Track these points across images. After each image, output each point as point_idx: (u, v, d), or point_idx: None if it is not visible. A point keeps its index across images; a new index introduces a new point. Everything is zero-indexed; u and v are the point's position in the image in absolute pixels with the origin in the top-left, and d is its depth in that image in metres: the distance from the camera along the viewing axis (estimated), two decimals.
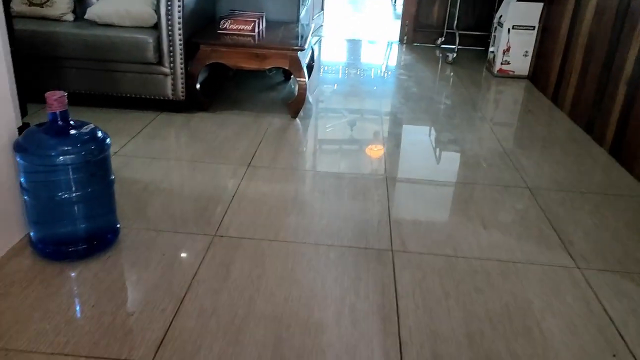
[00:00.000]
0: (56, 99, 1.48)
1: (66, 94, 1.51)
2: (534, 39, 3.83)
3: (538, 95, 3.62)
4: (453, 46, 4.48)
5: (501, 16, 3.93)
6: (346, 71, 4.07)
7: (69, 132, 1.52)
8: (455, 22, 4.55)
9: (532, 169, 2.47)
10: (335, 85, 3.73)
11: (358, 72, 4.04)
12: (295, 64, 2.80)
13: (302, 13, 3.65)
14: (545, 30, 3.71)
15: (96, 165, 1.56)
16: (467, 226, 1.93)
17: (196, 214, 1.91)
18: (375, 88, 3.67)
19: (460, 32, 4.54)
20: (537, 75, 3.79)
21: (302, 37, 3.01)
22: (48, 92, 1.49)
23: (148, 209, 1.92)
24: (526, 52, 3.87)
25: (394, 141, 2.75)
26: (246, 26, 2.95)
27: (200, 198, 2.02)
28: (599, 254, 1.80)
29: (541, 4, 3.74)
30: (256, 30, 2.98)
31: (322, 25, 5.64)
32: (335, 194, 2.12)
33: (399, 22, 5.07)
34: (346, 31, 5.59)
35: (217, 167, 2.30)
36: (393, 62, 4.50)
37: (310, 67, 3.47)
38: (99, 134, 1.58)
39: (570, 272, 1.70)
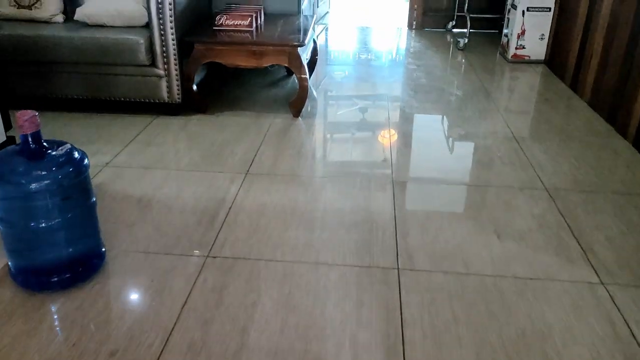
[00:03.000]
0: (27, 119, 1.37)
1: (37, 113, 1.39)
2: (550, 21, 3.61)
3: (555, 81, 3.42)
4: (464, 30, 4.27)
5: None
6: (352, 62, 3.90)
7: (43, 156, 1.41)
8: (466, 4, 4.32)
9: (549, 166, 2.30)
10: (341, 78, 3.57)
11: (365, 63, 3.87)
12: (295, 60, 2.65)
13: (304, 3, 3.49)
14: (563, 11, 3.49)
15: (74, 189, 1.45)
16: (479, 236, 1.79)
17: (189, 230, 1.80)
18: (383, 80, 3.51)
19: (472, 15, 4.31)
20: (555, 60, 3.58)
21: (302, 31, 2.85)
22: (19, 112, 1.37)
23: (139, 227, 1.81)
24: (542, 35, 3.66)
25: (401, 139, 2.60)
26: (243, 21, 2.81)
27: (194, 212, 1.91)
28: (625, 266, 1.65)
29: None
30: (254, 25, 2.83)
31: (328, 12, 5.45)
32: (338, 202, 1.99)
33: (407, 6, 4.85)
34: (353, 18, 5.40)
35: (214, 175, 2.18)
36: (402, 50, 4.31)
37: (313, 62, 3.32)
38: (76, 154, 1.46)
39: (594, 288, 1.55)
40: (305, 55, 2.84)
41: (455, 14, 4.59)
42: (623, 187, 2.14)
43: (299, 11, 3.25)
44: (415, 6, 4.70)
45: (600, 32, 2.90)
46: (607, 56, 2.81)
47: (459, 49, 4.12)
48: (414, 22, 4.75)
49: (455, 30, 4.61)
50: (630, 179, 2.21)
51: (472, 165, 2.36)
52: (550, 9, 3.58)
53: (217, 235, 1.77)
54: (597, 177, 2.21)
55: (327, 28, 4.94)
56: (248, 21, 2.80)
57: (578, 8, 3.21)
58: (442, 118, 2.88)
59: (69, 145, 1.47)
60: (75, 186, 1.45)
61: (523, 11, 3.61)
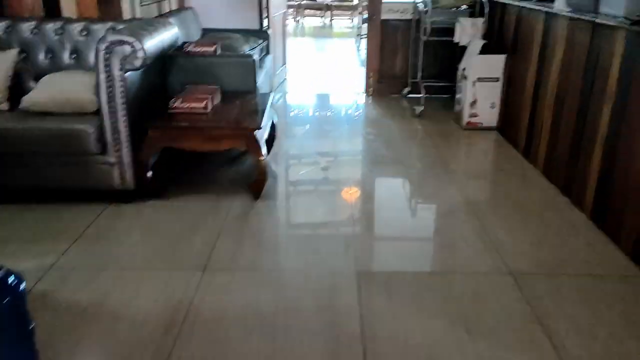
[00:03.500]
0: None
1: None
2: (500, 91, 3.75)
3: (509, 149, 3.50)
4: (419, 95, 4.37)
5: (465, 69, 3.84)
6: (311, 133, 3.90)
7: None
8: (420, 73, 4.45)
9: (511, 247, 2.29)
10: (300, 152, 3.55)
11: (323, 134, 3.87)
12: (252, 144, 2.60)
13: (260, 79, 3.49)
14: (511, 82, 3.63)
15: (6, 321, 1.30)
16: (450, 333, 1.72)
17: (140, 348, 1.65)
18: (342, 153, 3.51)
19: (425, 82, 4.44)
20: (507, 128, 3.68)
21: (260, 112, 2.83)
22: None
23: (82, 345, 1.66)
24: (493, 103, 3.78)
25: (364, 222, 2.56)
26: (198, 104, 2.76)
27: (147, 322, 1.77)
28: None
29: (504, 56, 3.66)
30: (209, 106, 2.79)
31: (285, 80, 5.51)
32: (302, 301, 1.89)
33: (364, 70, 4.96)
34: (311, 84, 5.48)
35: (169, 275, 2.06)
36: (360, 118, 4.36)
37: (272, 138, 3.28)
38: (10, 280, 1.33)
39: None
40: (263, 136, 2.80)
41: (410, 80, 4.71)
42: (587, 268, 2.14)
43: (255, 88, 3.24)
44: (371, 73, 4.81)
45: (549, 105, 3.01)
46: (557, 127, 2.90)
47: (415, 117, 4.20)
48: (371, 89, 4.85)
49: (410, 95, 4.72)
50: (592, 258, 2.22)
51: (437, 249, 2.33)
52: (498, 79, 3.72)
53: (170, 352, 1.63)
54: (559, 258, 2.21)
55: (284, 96, 4.97)
56: (204, 103, 2.75)
57: (525, 80, 3.34)
58: (403, 195, 2.88)
59: (2, 272, 1.34)
60: (8, 317, 1.31)
61: (474, 82, 3.73)
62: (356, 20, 7.42)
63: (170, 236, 2.36)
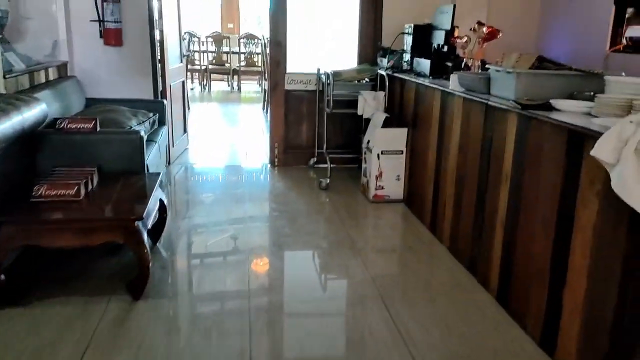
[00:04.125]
0: None
1: None
2: (404, 164, 3.72)
3: (416, 223, 3.42)
4: (326, 165, 4.27)
5: (369, 141, 3.80)
6: (210, 212, 3.61)
7: None
8: (325, 143, 4.38)
9: (421, 336, 2.12)
10: (197, 234, 3.24)
11: (226, 212, 3.58)
12: (132, 237, 2.27)
13: (149, 156, 3.19)
14: (414, 156, 3.62)
15: None
16: None
17: None
18: (244, 233, 3.24)
19: (331, 153, 4.36)
20: (413, 201, 3.64)
21: (143, 197, 2.51)
22: None
23: None
24: (398, 176, 3.74)
25: (265, 315, 2.27)
26: (68, 190, 2.40)
27: None
28: None
29: (405, 129, 3.67)
30: (82, 193, 2.43)
31: (187, 149, 5.22)
32: None
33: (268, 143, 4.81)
34: (214, 154, 5.21)
35: None
36: (265, 193, 4.15)
37: (162, 220, 2.95)
38: None
39: None
40: (147, 224, 2.47)
41: (316, 150, 4.62)
42: (497, 357, 2.01)
43: (142, 167, 2.92)
44: (276, 144, 4.66)
45: (450, 179, 2.98)
46: (460, 204, 2.86)
47: (321, 189, 4.06)
48: (276, 160, 4.69)
49: (317, 165, 4.61)
50: (501, 346, 2.10)
51: (345, 347, 2.10)
52: (402, 152, 3.70)
53: None
54: (470, 347, 2.07)
55: (184, 167, 4.66)
56: (75, 190, 2.40)
57: (427, 153, 3.33)
58: (308, 283, 2.65)
59: None
60: None
61: (378, 155, 3.69)
62: (265, 84, 7.35)
63: (24, 355, 1.92)
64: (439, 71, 3.39)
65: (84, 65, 4.14)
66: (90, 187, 2.56)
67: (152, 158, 3.30)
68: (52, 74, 3.72)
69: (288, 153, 4.70)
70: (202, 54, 9.53)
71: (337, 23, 4.83)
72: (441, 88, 3.04)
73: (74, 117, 2.83)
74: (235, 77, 9.59)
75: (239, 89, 9.67)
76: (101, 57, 4.16)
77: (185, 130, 5.19)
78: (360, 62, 4.60)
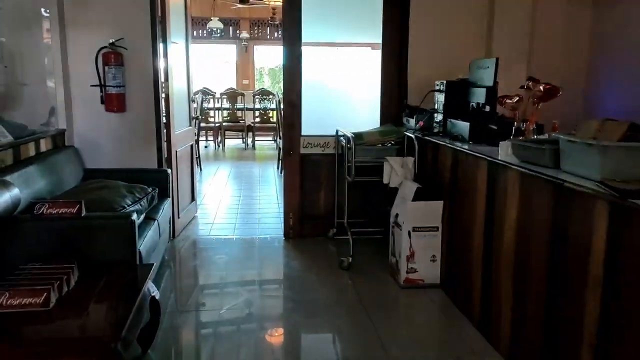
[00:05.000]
0: None
1: None
2: (440, 242, 3.20)
3: (460, 319, 2.84)
4: (346, 237, 3.76)
5: (397, 215, 3.31)
6: (215, 304, 3.10)
7: None
8: (346, 215, 3.88)
9: None
10: (191, 341, 2.73)
11: (231, 309, 3.04)
12: None
13: (144, 240, 2.73)
14: (452, 233, 3.11)
15: None
16: None
17: None
18: (247, 333, 2.71)
19: (353, 225, 3.86)
20: (452, 288, 3.08)
21: (128, 305, 2.02)
22: None
23: None
24: (433, 256, 3.21)
25: None
26: (35, 299, 1.92)
27: None
28: None
29: (441, 203, 3.17)
30: (53, 301, 1.95)
31: (195, 217, 4.77)
32: None
33: (282, 213, 4.33)
34: (223, 222, 4.75)
35: None
36: (278, 274, 3.65)
37: (155, 322, 2.44)
38: None
39: None
40: (132, 339, 1.97)
41: (336, 220, 4.13)
42: None
43: (133, 257, 2.46)
44: (291, 214, 4.19)
45: (506, 269, 2.44)
46: (522, 302, 2.31)
47: (343, 269, 3.54)
48: (290, 231, 4.20)
49: (337, 237, 4.11)
50: None
51: None
52: (437, 228, 3.19)
53: None
54: None
55: (191, 241, 4.19)
56: (43, 298, 1.92)
57: (471, 232, 2.80)
58: None
59: None
60: None
61: (409, 232, 3.18)
62: (280, 142, 7.00)
63: None
64: (481, 135, 2.93)
65: (83, 134, 3.78)
66: (65, 289, 2.08)
67: (149, 240, 2.84)
68: (45, 145, 3.34)
69: (304, 223, 4.21)
70: (216, 111, 9.30)
71: (356, 79, 4.45)
72: (488, 157, 2.56)
73: (56, 200, 2.41)
74: (250, 133, 9.30)
75: (254, 145, 9.36)
76: (102, 124, 3.80)
77: (193, 198, 4.76)
78: (383, 122, 4.18)
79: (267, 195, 5.79)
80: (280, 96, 5.97)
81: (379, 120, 4.19)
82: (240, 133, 9.52)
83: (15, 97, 3.54)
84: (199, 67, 10.74)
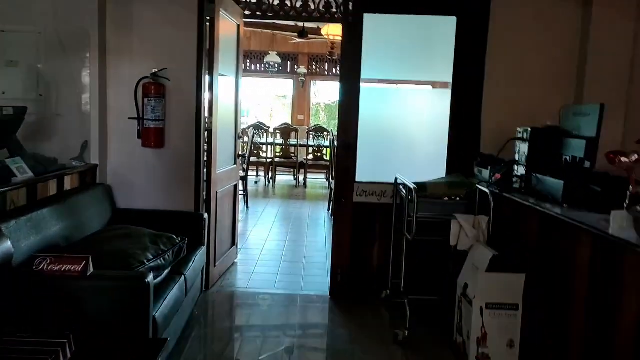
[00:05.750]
0: None
1: None
2: (520, 324, 2.59)
3: None
4: (401, 300, 3.20)
5: (467, 286, 2.73)
6: None
7: None
8: (403, 278, 3.30)
9: None
10: None
11: None
12: None
13: (163, 303, 2.31)
14: (536, 315, 2.50)
15: None
16: None
17: None
18: None
19: (410, 292, 3.28)
20: None
21: None
22: None
23: None
24: (511, 341, 2.60)
25: None
26: None
27: None
28: None
29: (523, 276, 2.58)
30: None
31: (235, 263, 4.36)
32: None
33: (328, 269, 3.83)
34: (264, 272, 4.28)
35: None
36: (320, 343, 3.13)
37: None
38: None
39: None
40: None
41: (390, 281, 3.58)
42: None
43: (146, 326, 2.04)
44: (338, 270, 3.69)
45: None
46: None
47: (397, 343, 2.97)
48: (337, 289, 3.69)
49: (391, 299, 3.55)
50: None
51: None
52: (517, 306, 2.59)
53: None
54: None
55: (226, 295, 3.76)
56: None
57: (566, 317, 2.20)
58: None
59: None
60: None
61: (481, 308, 2.60)
62: (332, 182, 6.57)
63: None
64: (579, 198, 2.35)
65: (116, 170, 3.49)
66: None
67: (171, 300, 2.42)
68: (71, 182, 3.05)
69: (353, 281, 3.69)
70: (268, 146, 9.04)
71: (419, 121, 3.94)
72: (593, 230, 1.98)
73: (60, 255, 2.04)
74: (302, 170, 8.95)
75: (305, 183, 8.97)
76: (137, 161, 3.50)
77: (234, 243, 4.36)
78: (449, 171, 3.63)
79: (315, 242, 5.31)
80: (335, 133, 5.56)
81: (444, 170, 3.66)
82: (292, 169, 9.20)
83: (48, 128, 3.30)
84: (254, 101, 10.63)
